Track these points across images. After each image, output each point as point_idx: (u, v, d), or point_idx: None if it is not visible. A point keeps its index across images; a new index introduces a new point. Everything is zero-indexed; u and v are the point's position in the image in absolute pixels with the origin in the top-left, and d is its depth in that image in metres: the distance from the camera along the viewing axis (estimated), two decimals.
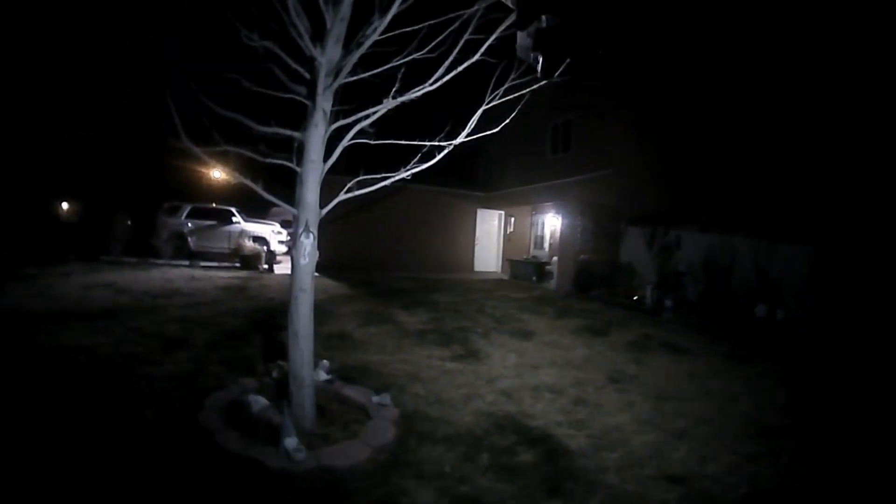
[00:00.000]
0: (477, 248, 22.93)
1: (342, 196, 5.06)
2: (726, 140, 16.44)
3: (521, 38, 5.51)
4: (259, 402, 4.93)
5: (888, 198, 12.19)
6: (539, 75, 5.07)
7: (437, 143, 5.17)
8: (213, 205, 21.32)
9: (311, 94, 4.62)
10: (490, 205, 22.83)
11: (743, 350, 9.95)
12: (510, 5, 4.91)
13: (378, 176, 5.21)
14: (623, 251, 16.89)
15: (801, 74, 14.81)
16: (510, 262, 21.22)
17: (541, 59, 5.23)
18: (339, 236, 18.12)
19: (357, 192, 5.15)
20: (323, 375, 6.00)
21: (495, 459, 5.01)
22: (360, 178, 5.19)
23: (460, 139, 5.14)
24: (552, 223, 19.66)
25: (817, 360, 9.50)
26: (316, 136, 4.62)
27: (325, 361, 6.30)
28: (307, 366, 4.90)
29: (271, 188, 4.94)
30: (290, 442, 4.16)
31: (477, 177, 24.34)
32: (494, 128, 5.61)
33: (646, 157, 16.87)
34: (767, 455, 5.52)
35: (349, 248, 19.23)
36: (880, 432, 6.42)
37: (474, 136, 5.16)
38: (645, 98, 16.67)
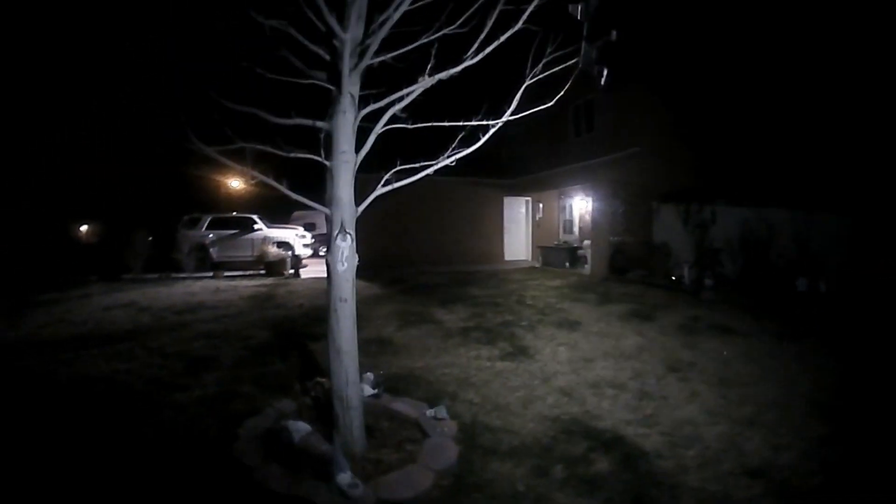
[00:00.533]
0: (506, 237, 22.35)
1: (381, 189, 4.53)
2: (755, 110, 15.63)
3: (587, 48, 4.94)
4: (300, 428, 4.44)
5: None
6: (600, 85, 4.52)
7: (482, 123, 4.60)
8: (234, 213, 21.01)
9: (336, 78, 4.11)
10: (516, 192, 22.22)
11: (791, 327, 9.47)
12: (580, 19, 4.39)
13: (418, 165, 4.66)
14: (656, 230, 16.19)
15: (835, 38, 13.96)
16: (541, 248, 20.65)
17: (605, 72, 4.70)
18: (365, 234, 17.60)
19: (395, 185, 4.60)
20: (368, 390, 5.49)
21: (570, 471, 4.53)
22: (399, 167, 4.64)
23: (507, 117, 4.57)
24: (581, 206, 19.03)
25: (865, 333, 8.97)
26: (345, 123, 4.10)
27: (369, 374, 5.79)
28: (353, 384, 4.42)
29: (295, 191, 4.44)
30: (344, 478, 3.67)
31: (500, 164, 23.70)
32: (531, 107, 5.00)
33: (672, 132, 16.14)
34: (836, 438, 5.27)
35: (375, 245, 18.69)
36: None
37: (521, 114, 4.59)
38: (668, 72, 15.93)
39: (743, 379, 7.00)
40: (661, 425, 5.61)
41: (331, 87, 4.13)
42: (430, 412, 5.28)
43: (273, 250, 18.49)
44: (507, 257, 22.20)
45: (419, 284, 14.96)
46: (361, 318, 9.72)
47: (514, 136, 21.53)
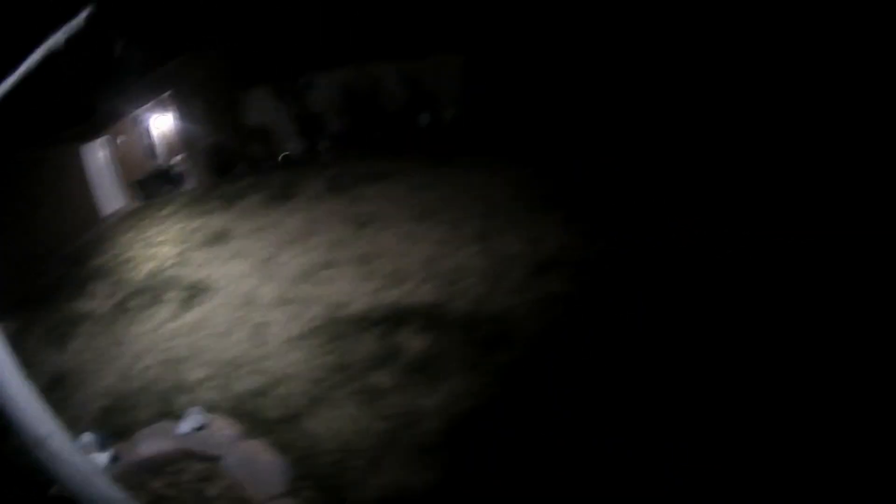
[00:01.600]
0: (94, 189, 18.79)
1: None
2: None
3: None
4: None
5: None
6: None
7: None
8: None
9: None
10: (87, 136, 18.45)
11: (439, 156, 10.24)
12: None
13: None
14: (250, 116, 15.45)
15: None
16: (135, 184, 17.95)
17: None
18: None
19: None
20: (103, 459, 3.92)
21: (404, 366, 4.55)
22: None
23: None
24: (162, 123, 16.78)
25: (496, 151, 10.20)
26: None
27: (85, 435, 4.10)
28: (92, 478, 2.99)
29: None
30: None
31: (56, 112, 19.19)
32: None
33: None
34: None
35: None
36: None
37: None
38: None
39: (460, 216, 7.42)
40: (434, 280, 5.90)
41: None
42: (185, 427, 4.11)
43: None
44: (107, 210, 18.91)
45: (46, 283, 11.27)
46: None
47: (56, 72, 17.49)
